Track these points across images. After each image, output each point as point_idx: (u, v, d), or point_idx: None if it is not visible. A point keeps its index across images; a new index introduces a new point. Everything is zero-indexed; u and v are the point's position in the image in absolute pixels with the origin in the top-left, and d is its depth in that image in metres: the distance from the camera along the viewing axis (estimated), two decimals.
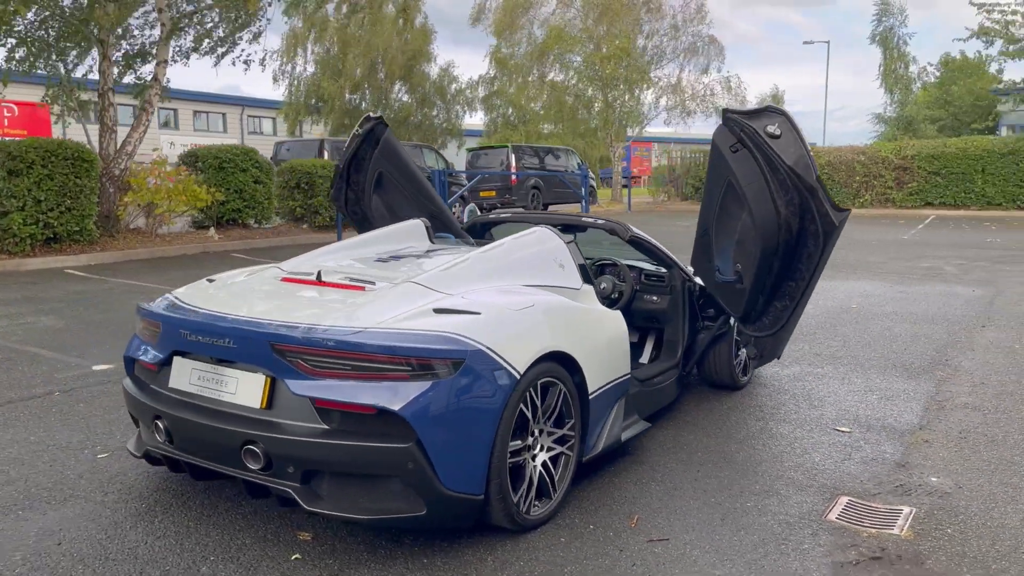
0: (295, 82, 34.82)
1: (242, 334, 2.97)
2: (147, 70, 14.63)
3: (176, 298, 3.47)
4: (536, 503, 3.22)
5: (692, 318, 4.91)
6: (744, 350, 5.30)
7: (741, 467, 3.96)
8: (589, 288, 3.97)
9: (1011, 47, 20.90)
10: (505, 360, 2.97)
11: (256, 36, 15.28)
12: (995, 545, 3.14)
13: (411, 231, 4.53)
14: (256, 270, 3.85)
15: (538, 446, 3.26)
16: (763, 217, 4.06)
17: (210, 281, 3.76)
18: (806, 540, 3.17)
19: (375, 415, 2.81)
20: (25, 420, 4.55)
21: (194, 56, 14.90)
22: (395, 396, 2.78)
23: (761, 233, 4.09)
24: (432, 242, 4.60)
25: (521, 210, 5.51)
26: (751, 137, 4.03)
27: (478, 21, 30.63)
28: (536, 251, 3.89)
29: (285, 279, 3.56)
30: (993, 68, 21.96)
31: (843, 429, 4.54)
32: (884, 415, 4.79)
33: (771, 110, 4.05)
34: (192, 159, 13.74)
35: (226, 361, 3.07)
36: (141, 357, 3.41)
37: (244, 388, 3.01)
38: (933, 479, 3.83)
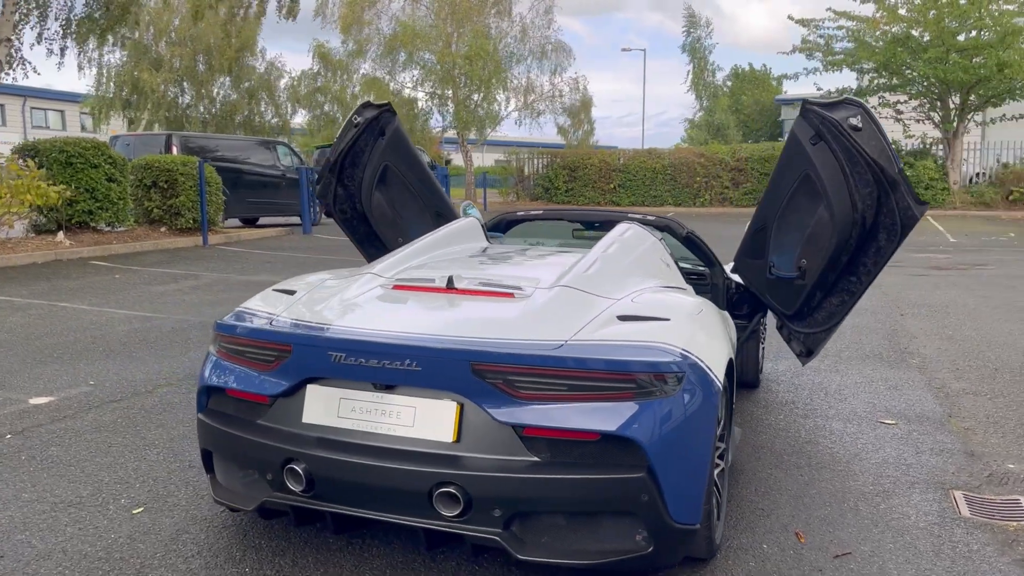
0: (105, 72, 31.75)
1: (432, 353, 2.46)
2: None
3: (282, 315, 2.85)
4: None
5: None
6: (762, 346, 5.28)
7: (835, 468, 3.88)
8: (690, 288, 3.74)
9: (828, 59, 22.88)
10: (712, 370, 2.68)
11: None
12: None
13: (470, 230, 4.09)
14: (342, 279, 3.27)
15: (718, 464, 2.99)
16: (841, 211, 4.01)
17: (289, 293, 3.15)
18: (972, 541, 3.12)
19: (597, 442, 2.43)
20: None
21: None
22: (622, 418, 2.40)
23: (838, 228, 4.04)
24: (488, 241, 4.19)
25: (540, 208, 5.18)
26: (832, 129, 3.96)
27: (321, 15, 29.36)
28: (644, 249, 3.62)
29: (399, 287, 3.04)
30: (812, 81, 23.87)
31: (888, 422, 4.61)
32: (907, 405, 4.92)
33: (850, 102, 4.00)
34: (31, 152, 12.01)
35: (390, 387, 2.55)
36: (237, 387, 2.78)
37: (426, 418, 2.50)
38: (1011, 465, 3.94)
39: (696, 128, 51.93)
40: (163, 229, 13.72)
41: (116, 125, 35.89)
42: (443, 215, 5.09)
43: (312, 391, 2.64)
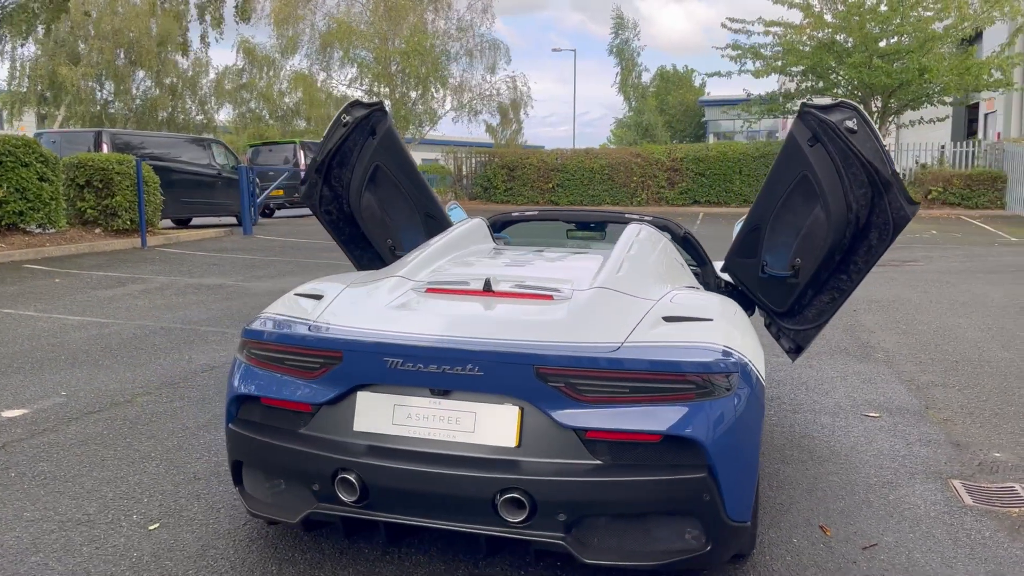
0: (19, 66, 30.32)
1: (495, 357, 2.43)
2: None
3: (319, 321, 2.77)
4: None
5: None
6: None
7: (836, 461, 4.00)
8: (700, 286, 3.80)
9: (757, 63, 23.52)
10: (756, 369, 2.73)
11: None
12: None
13: (478, 232, 4.06)
14: (366, 283, 3.19)
15: None
16: (837, 211, 4.14)
17: (314, 297, 3.06)
18: (983, 528, 3.26)
19: (658, 443, 2.44)
20: None
21: None
22: (683, 419, 2.42)
23: (834, 227, 4.16)
24: (495, 242, 4.17)
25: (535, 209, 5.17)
26: (828, 131, 4.07)
27: (252, 11, 28.62)
28: (661, 249, 3.66)
29: (433, 290, 2.98)
30: (741, 84, 24.51)
31: (872, 414, 4.77)
32: (884, 398, 5.11)
33: (845, 105, 4.13)
34: None
35: (445, 393, 2.51)
36: (276, 396, 2.69)
37: (487, 423, 2.47)
38: (997, 454, 4.13)
39: (625, 128, 52.73)
40: (98, 231, 13.17)
41: (27, 121, 34.29)
42: (433, 217, 5.03)
43: (363, 398, 2.58)
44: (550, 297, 2.86)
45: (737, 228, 5.01)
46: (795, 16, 23.06)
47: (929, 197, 22.43)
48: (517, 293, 2.90)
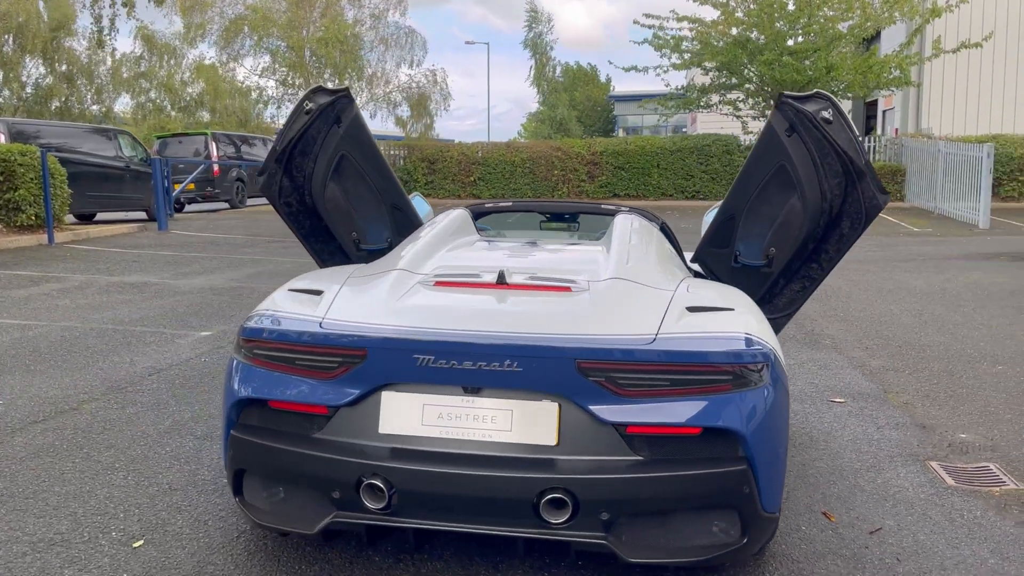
0: None
1: (536, 352, 2.33)
2: None
3: (329, 318, 2.59)
4: None
5: None
6: None
7: (817, 448, 4.06)
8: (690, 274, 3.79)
9: (675, 57, 23.97)
10: (780, 359, 2.71)
11: None
12: None
13: (463, 223, 3.93)
14: (367, 276, 3.02)
15: None
16: (812, 200, 4.20)
17: (313, 293, 2.88)
18: (972, 508, 3.35)
19: (698, 436, 2.39)
20: None
21: None
22: (723, 410, 2.38)
23: (809, 216, 4.22)
24: (478, 233, 4.05)
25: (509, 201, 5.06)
26: (805, 122, 4.13)
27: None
28: (656, 238, 3.62)
29: (443, 283, 2.84)
30: (648, 80, 24.95)
31: (838, 400, 4.89)
32: (843, 383, 5.24)
33: (820, 96, 4.18)
34: None
35: (477, 391, 2.39)
36: (287, 398, 2.51)
37: (525, 421, 2.36)
38: (963, 435, 4.28)
39: (539, 122, 52.96)
40: None
41: None
42: (400, 208, 4.86)
43: (389, 399, 2.43)
44: (568, 289, 2.77)
45: (707, 219, 5.03)
46: (708, 12, 23.61)
47: None
48: (533, 285, 2.79)
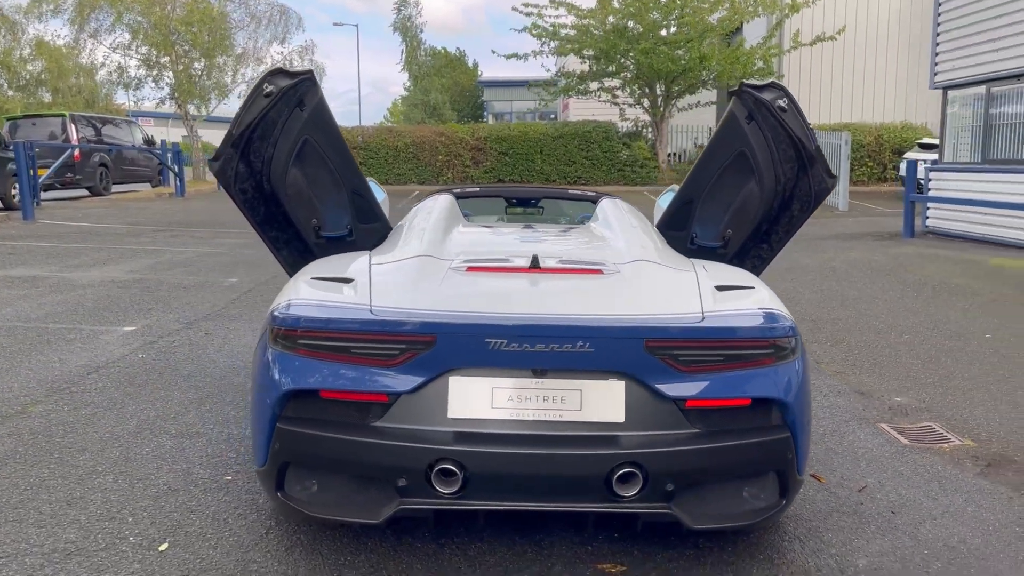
0: None
1: (608, 332, 2.41)
2: None
3: (381, 305, 2.55)
4: None
5: None
6: None
7: None
8: None
9: (553, 43, 24.41)
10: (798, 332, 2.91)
11: None
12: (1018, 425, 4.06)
13: (453, 209, 3.92)
14: (391, 263, 2.99)
15: None
16: (769, 184, 4.48)
17: (341, 281, 2.83)
18: (934, 463, 3.70)
19: (747, 407, 2.55)
20: None
21: None
22: (769, 382, 2.55)
23: (765, 200, 4.50)
24: (464, 219, 4.06)
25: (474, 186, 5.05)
26: (763, 109, 4.39)
27: None
28: (646, 222, 3.76)
29: (476, 268, 2.86)
30: (540, 63, 25.30)
31: None
32: None
33: (775, 85, 4.46)
34: None
35: (543, 372, 2.44)
36: (343, 387, 2.47)
37: (594, 400, 2.44)
38: (898, 399, 4.70)
39: (411, 106, 52.44)
40: None
41: None
42: (360, 194, 4.78)
43: (456, 383, 2.44)
44: (599, 272, 2.86)
45: (660, 203, 5.24)
46: (586, 1, 24.16)
47: None
48: (566, 269, 2.87)
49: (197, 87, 25.79)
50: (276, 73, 4.45)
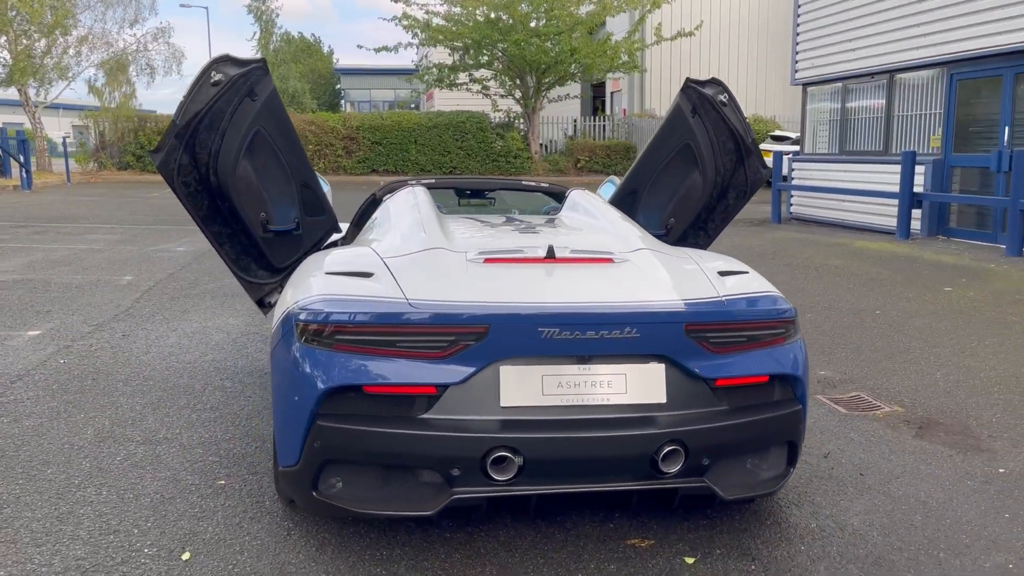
0: None
1: (653, 318, 2.54)
2: None
3: (419, 298, 2.55)
4: None
5: None
6: None
7: None
8: None
9: (422, 35, 24.28)
10: None
11: None
12: (947, 386, 4.53)
13: (431, 200, 3.92)
14: (405, 255, 2.97)
15: None
16: (710, 174, 4.76)
17: (361, 275, 2.80)
18: (876, 428, 4.07)
19: (765, 384, 2.75)
20: None
21: None
22: (784, 359, 2.77)
23: (708, 190, 4.78)
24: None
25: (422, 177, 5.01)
26: (706, 104, 4.65)
27: None
28: (618, 211, 3.91)
29: (493, 260, 2.90)
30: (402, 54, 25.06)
31: None
32: None
33: (716, 81, 4.73)
34: None
35: (587, 359, 2.53)
36: (389, 381, 2.46)
37: (638, 383, 2.55)
38: (822, 372, 5.11)
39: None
40: None
41: None
42: (309, 187, 4.67)
43: (507, 372, 2.49)
44: (611, 260, 2.98)
45: (602, 191, 5.42)
46: None
47: (579, 165, 25.24)
48: (580, 259, 2.96)
49: (37, 67, 23.79)
50: (223, 61, 4.28)
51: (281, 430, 2.62)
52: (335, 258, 3.14)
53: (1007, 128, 10.04)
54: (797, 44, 14.40)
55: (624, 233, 3.37)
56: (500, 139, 25.14)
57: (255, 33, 50.26)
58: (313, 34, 56.23)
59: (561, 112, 28.37)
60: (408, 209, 3.61)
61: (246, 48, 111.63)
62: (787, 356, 2.78)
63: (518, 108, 25.99)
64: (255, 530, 2.82)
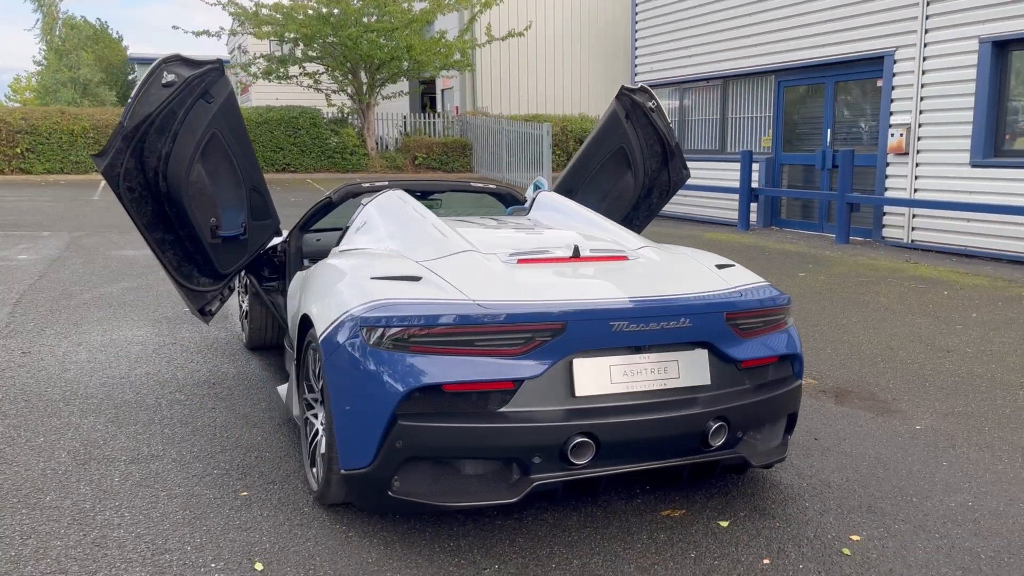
0: None
1: (701, 309, 2.85)
2: None
3: (485, 298, 2.70)
4: None
5: None
6: None
7: None
8: None
9: (250, 26, 23.31)
10: None
11: None
12: (874, 367, 5.18)
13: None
14: (439, 258, 3.07)
15: None
16: (640, 176, 5.17)
17: (409, 279, 2.89)
18: (808, 400, 4.62)
19: (776, 363, 3.13)
20: None
21: None
22: (790, 341, 3.17)
23: (638, 189, 5.19)
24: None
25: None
26: (638, 110, 5.06)
27: None
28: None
29: (526, 260, 3.08)
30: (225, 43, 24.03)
31: None
32: None
33: (644, 89, 5.14)
34: None
35: (645, 348, 2.78)
36: (468, 379, 2.59)
37: (688, 368, 2.85)
38: None
39: (60, 86, 46.09)
40: None
41: None
42: (258, 191, 4.59)
43: (580, 364, 2.69)
44: (626, 258, 3.26)
45: (529, 193, 5.70)
46: None
47: (416, 163, 25.30)
48: (600, 257, 3.22)
49: None
50: (174, 61, 4.15)
51: (351, 433, 2.67)
52: (364, 263, 3.18)
53: (829, 130, 11.34)
54: (636, 48, 15.35)
55: (621, 231, 3.66)
56: (335, 135, 24.69)
57: (36, 21, 45.95)
58: (99, 19, 51.84)
59: (393, 109, 28.26)
60: (410, 212, 3.69)
61: (27, 38, 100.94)
62: (790, 338, 3.18)
63: (350, 104, 25.62)
64: (312, 535, 2.84)
